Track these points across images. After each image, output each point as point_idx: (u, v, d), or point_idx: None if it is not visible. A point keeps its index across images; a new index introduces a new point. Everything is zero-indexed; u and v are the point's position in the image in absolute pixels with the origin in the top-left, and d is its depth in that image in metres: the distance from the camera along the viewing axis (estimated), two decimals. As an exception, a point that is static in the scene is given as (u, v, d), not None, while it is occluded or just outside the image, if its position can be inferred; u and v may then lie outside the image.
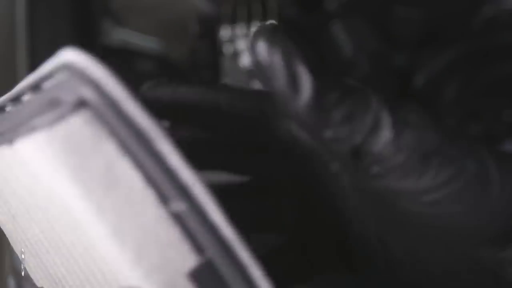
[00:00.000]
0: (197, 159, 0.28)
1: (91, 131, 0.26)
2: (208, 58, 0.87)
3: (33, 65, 0.76)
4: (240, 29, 0.83)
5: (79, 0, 0.83)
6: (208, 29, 0.87)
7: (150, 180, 0.27)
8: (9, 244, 0.42)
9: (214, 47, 0.85)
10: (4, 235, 0.42)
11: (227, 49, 0.83)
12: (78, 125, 0.26)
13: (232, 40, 0.83)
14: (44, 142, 0.26)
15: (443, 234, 0.32)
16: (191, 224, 0.28)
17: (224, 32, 0.84)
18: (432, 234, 0.33)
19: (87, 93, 0.27)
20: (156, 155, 0.27)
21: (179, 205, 0.27)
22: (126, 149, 0.27)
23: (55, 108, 0.27)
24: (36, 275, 0.39)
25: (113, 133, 0.27)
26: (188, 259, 0.27)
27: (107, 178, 0.26)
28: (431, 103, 0.84)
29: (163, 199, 0.27)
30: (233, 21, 0.83)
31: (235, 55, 0.83)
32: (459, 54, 0.82)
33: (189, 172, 0.27)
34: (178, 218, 0.28)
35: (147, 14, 0.89)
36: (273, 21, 0.32)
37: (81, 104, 0.26)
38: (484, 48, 0.82)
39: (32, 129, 0.27)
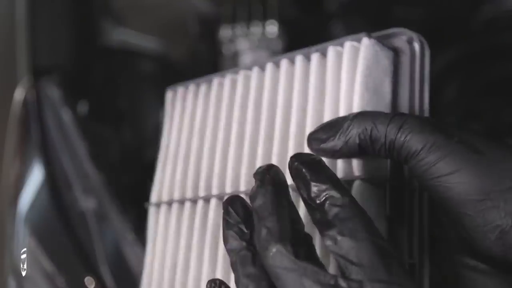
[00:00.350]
0: None
1: (390, 59, 0.45)
2: (208, 58, 0.87)
3: (33, 65, 0.76)
4: (240, 29, 0.83)
5: (79, 0, 0.83)
6: (208, 29, 0.87)
7: (395, 100, 0.44)
8: (9, 244, 0.41)
9: (214, 47, 0.85)
10: (4, 235, 0.41)
11: (227, 49, 0.83)
12: (392, 53, 0.45)
13: (232, 40, 0.83)
14: (369, 46, 0.44)
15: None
16: None
17: (224, 32, 0.84)
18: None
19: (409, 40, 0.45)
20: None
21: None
22: (395, 81, 0.45)
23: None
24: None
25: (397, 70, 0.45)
26: None
27: (377, 84, 0.44)
28: (431, 103, 0.84)
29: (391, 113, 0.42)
30: (233, 21, 0.83)
31: (235, 55, 0.83)
32: (459, 54, 0.82)
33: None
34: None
35: (147, 14, 0.90)
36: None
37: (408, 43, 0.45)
38: (484, 48, 0.82)
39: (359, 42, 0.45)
